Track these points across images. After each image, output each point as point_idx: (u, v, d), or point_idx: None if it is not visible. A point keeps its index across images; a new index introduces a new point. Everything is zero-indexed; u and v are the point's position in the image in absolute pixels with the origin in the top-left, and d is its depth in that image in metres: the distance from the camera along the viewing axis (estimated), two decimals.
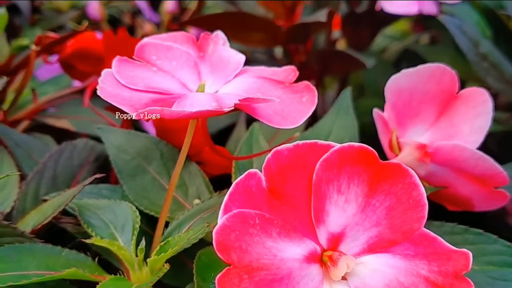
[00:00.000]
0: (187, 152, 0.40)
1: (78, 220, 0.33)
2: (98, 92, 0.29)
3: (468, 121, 0.33)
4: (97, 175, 0.32)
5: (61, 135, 0.48)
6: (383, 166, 0.25)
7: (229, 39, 0.37)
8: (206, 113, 0.27)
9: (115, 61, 0.31)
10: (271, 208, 0.24)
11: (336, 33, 0.71)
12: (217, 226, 0.22)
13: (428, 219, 0.31)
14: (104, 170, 0.42)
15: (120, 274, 0.29)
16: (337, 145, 0.25)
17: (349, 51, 0.68)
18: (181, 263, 0.36)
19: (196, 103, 0.28)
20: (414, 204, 0.25)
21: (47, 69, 0.68)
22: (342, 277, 0.24)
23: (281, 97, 0.31)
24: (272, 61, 0.75)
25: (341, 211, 0.25)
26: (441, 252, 0.25)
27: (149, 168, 0.39)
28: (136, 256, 0.30)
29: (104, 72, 0.31)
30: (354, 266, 0.24)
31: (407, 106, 0.35)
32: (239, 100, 0.27)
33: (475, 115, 0.33)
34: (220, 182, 0.39)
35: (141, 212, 0.37)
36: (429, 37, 0.85)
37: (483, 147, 0.35)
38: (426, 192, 0.34)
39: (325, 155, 0.25)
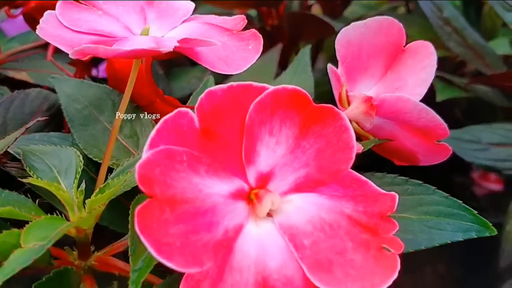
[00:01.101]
0: (140, 103, 0.40)
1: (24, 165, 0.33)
2: (37, 32, 0.29)
3: (414, 73, 0.34)
4: (41, 118, 0.32)
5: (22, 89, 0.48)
6: (316, 109, 0.25)
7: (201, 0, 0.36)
8: (142, 52, 0.27)
9: (58, 4, 0.31)
10: (202, 148, 0.24)
11: None
12: (140, 160, 0.22)
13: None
14: (57, 120, 0.42)
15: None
16: (272, 87, 0.25)
17: (320, 16, 0.67)
18: (127, 209, 0.37)
19: (135, 43, 0.28)
20: (343, 146, 0.25)
21: (16, 25, 0.67)
22: (268, 214, 0.24)
23: (226, 43, 0.31)
24: (248, 25, 0.75)
25: (271, 152, 0.25)
26: (370, 194, 0.26)
27: (100, 117, 0.39)
28: (77, 198, 0.30)
29: (47, 13, 0.31)
30: (280, 204, 0.24)
31: (357, 60, 0.35)
32: (178, 42, 0.27)
33: (421, 68, 0.33)
34: None
35: (90, 160, 0.37)
36: (406, 8, 0.85)
37: (450, 116, 0.35)
38: (371, 145, 0.35)
39: (259, 97, 0.25)
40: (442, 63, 0.64)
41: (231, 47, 0.31)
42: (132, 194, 0.36)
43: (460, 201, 0.32)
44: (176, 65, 0.66)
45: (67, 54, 0.54)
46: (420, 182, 0.33)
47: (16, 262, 0.22)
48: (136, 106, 0.39)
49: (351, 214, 0.24)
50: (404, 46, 0.35)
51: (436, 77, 0.58)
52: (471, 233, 0.31)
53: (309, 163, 0.25)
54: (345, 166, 0.25)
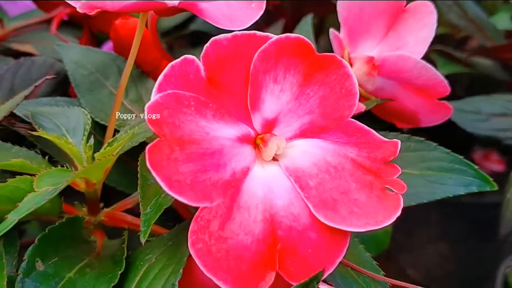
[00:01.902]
0: (144, 69, 0.41)
1: (32, 126, 0.34)
2: None
3: (414, 32, 0.34)
4: (49, 76, 0.33)
5: None
6: (318, 58, 0.26)
7: None
8: (148, 4, 0.27)
9: None
10: (208, 95, 0.25)
11: None
12: (149, 102, 0.23)
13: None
14: (62, 88, 0.43)
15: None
16: (275, 36, 0.26)
17: None
18: (134, 171, 0.38)
19: None
20: (346, 93, 0.26)
21: (18, 5, 0.67)
22: (274, 159, 0.25)
23: (229, 2, 0.31)
24: None
25: (276, 99, 0.25)
26: (373, 142, 0.26)
27: (106, 83, 0.39)
28: (86, 154, 0.31)
29: None
30: (285, 148, 0.25)
31: (358, 21, 0.36)
32: None
33: (421, 27, 0.34)
34: None
35: (97, 124, 0.37)
36: None
37: (451, 93, 0.35)
38: (373, 104, 0.35)
39: (263, 46, 0.26)
40: (443, 40, 0.65)
41: (234, 5, 0.31)
42: (138, 155, 0.36)
43: (462, 157, 0.33)
44: (177, 47, 0.67)
45: (70, 29, 0.54)
46: (422, 139, 0.33)
47: (30, 203, 0.23)
48: (141, 72, 0.40)
49: (355, 158, 0.25)
50: (405, 6, 0.35)
51: (437, 52, 0.58)
52: (472, 187, 0.32)
53: (313, 110, 0.26)
54: (348, 112, 0.26)
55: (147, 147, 0.22)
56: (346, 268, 0.27)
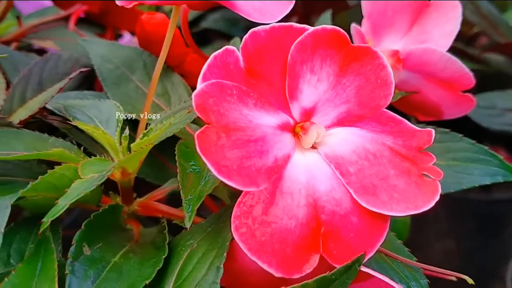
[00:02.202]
0: (170, 63, 0.42)
1: (64, 118, 0.34)
2: None
3: (439, 26, 0.35)
4: (83, 69, 0.33)
5: None
6: (354, 49, 0.27)
7: None
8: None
9: None
10: (247, 85, 0.26)
11: None
12: (195, 91, 0.23)
13: None
14: (88, 81, 0.43)
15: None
16: (312, 28, 0.26)
17: None
18: (162, 164, 0.38)
19: None
20: (381, 83, 0.26)
21: (31, 4, 0.68)
22: (313, 147, 0.25)
23: None
24: None
25: (314, 89, 0.26)
26: (406, 131, 0.27)
27: (132, 77, 0.40)
28: (121, 144, 0.31)
29: None
30: (324, 136, 0.25)
31: (382, 16, 0.36)
32: None
33: (446, 21, 0.35)
34: None
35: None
36: None
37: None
38: (398, 97, 0.36)
39: (300, 37, 0.26)
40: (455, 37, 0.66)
41: None
42: (166, 149, 0.37)
43: (487, 147, 0.33)
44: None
45: (87, 26, 0.54)
46: (447, 130, 0.34)
47: (80, 189, 0.24)
48: (167, 66, 0.41)
49: (391, 145, 0.26)
50: (429, 1, 0.36)
51: (449, 49, 0.59)
52: (498, 177, 0.33)
53: (349, 99, 0.26)
54: (384, 102, 0.26)
55: (196, 134, 0.22)
56: (380, 254, 0.28)
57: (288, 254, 0.23)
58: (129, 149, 0.31)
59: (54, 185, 0.26)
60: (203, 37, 0.67)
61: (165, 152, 0.39)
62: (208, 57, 0.38)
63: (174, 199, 0.34)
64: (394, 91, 0.37)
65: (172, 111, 0.35)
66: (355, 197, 0.24)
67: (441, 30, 0.35)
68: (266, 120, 0.25)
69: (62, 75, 0.41)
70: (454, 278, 0.27)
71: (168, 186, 0.35)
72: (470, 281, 0.28)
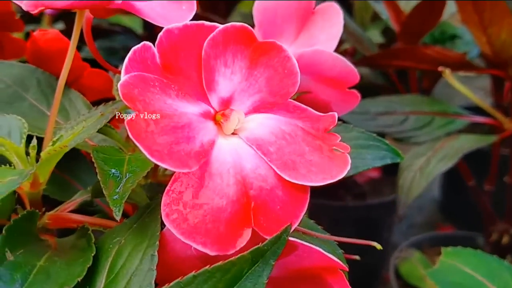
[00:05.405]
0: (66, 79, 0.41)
1: None
2: None
3: (325, 30, 0.39)
4: None
5: None
6: (261, 44, 0.29)
7: None
8: (87, 4, 0.29)
9: None
10: (166, 80, 0.27)
11: None
12: (120, 82, 0.24)
13: None
14: None
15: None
16: (222, 26, 0.28)
17: None
18: (65, 181, 0.37)
19: None
20: (288, 73, 0.29)
21: None
22: (233, 133, 0.27)
23: (163, 3, 0.33)
24: None
25: (229, 81, 0.28)
26: (312, 116, 0.30)
27: (26, 95, 0.39)
28: (28, 155, 0.30)
29: None
30: (243, 123, 0.27)
31: (272, 25, 0.40)
32: None
33: (330, 25, 0.39)
34: None
35: None
36: None
37: None
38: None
39: (212, 34, 0.28)
40: None
41: (167, 6, 0.33)
42: (69, 168, 0.37)
43: (375, 134, 0.38)
44: None
45: None
46: (340, 122, 0.38)
47: None
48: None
49: (303, 126, 0.28)
50: (314, 9, 0.40)
51: None
52: (387, 160, 0.37)
53: (262, 89, 0.29)
54: (292, 89, 0.29)
55: (126, 121, 0.23)
56: (299, 233, 0.30)
57: (222, 232, 0.24)
58: (37, 160, 0.30)
59: None
60: None
61: (67, 170, 0.38)
62: (112, 69, 0.39)
63: (84, 212, 0.34)
64: None
65: (76, 122, 0.35)
66: (278, 172, 0.26)
67: (327, 33, 0.39)
68: (189, 109, 0.26)
69: None
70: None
71: (79, 197, 0.34)
72: (378, 246, 0.31)
